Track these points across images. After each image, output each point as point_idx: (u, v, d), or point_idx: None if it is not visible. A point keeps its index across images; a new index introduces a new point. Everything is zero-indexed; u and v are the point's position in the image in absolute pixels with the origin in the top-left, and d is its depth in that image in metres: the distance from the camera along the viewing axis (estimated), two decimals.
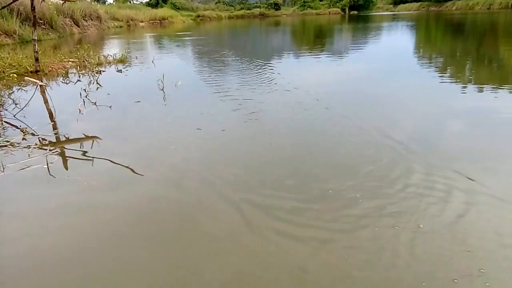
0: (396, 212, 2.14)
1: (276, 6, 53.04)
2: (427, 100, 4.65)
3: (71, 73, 7.27)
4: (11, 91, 5.77)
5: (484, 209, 2.15)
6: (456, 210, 2.14)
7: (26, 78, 6.42)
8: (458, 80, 5.83)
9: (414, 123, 3.77)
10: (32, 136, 3.64)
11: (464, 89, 5.22)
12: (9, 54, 8.22)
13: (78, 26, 18.95)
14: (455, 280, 1.62)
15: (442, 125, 3.69)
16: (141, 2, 45.79)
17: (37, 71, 7.17)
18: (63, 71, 7.43)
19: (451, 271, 1.67)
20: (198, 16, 43.37)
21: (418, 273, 1.67)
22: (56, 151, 3.25)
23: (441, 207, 2.16)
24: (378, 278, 1.65)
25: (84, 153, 3.19)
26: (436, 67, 7.12)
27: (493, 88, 5.14)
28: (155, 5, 43.22)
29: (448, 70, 6.95)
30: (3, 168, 2.89)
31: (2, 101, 4.89)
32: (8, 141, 3.46)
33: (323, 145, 3.26)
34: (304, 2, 52.90)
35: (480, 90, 5.08)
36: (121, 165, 2.92)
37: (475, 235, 1.92)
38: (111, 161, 3.00)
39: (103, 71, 7.49)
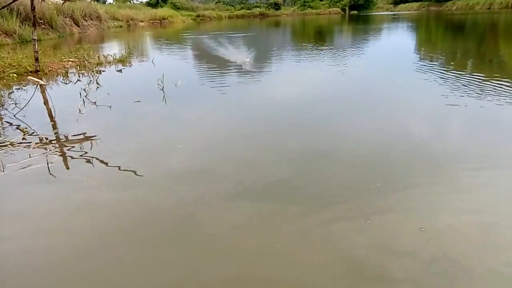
0: None
1: (276, 6, 52.93)
2: None
3: (71, 73, 7.27)
4: (11, 91, 5.77)
5: None
6: None
7: (28, 77, 6.43)
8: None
9: None
10: (32, 136, 3.65)
11: None
12: (9, 53, 8.23)
13: (78, 26, 18.93)
14: None
15: None
16: (141, 2, 45.75)
17: (37, 71, 7.16)
18: (63, 71, 7.43)
19: None
20: (198, 16, 43.27)
21: None
22: (56, 151, 3.25)
23: None
24: None
25: (84, 152, 3.19)
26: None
27: None
28: (155, 5, 43.13)
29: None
30: (3, 168, 2.89)
31: (2, 101, 4.89)
32: (8, 141, 3.46)
33: None
34: (304, 2, 52.79)
35: None
36: (120, 165, 2.92)
37: None
38: (110, 161, 3.00)
39: (103, 71, 7.48)
